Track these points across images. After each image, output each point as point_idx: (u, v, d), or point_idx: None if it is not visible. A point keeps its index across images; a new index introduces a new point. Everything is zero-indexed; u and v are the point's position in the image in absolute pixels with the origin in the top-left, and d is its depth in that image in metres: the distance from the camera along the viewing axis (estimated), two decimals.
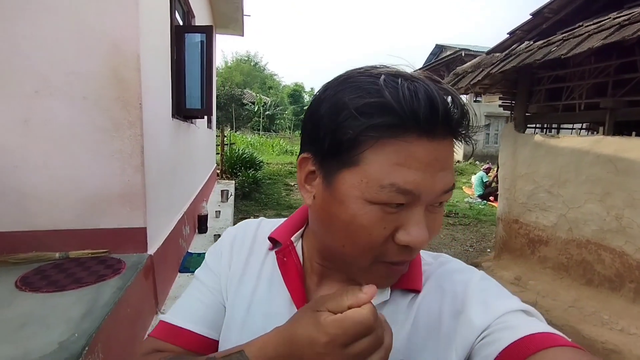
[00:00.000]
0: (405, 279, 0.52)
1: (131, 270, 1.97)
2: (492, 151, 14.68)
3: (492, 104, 14.45)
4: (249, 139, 17.84)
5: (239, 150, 10.02)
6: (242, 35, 8.30)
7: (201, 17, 4.95)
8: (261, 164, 10.08)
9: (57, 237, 2.11)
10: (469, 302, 0.48)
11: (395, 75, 0.42)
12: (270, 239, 0.61)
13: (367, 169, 0.42)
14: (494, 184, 8.32)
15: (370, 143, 0.41)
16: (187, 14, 4.16)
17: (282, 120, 29.56)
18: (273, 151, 16.26)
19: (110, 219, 2.18)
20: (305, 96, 36.18)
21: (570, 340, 0.41)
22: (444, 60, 16.92)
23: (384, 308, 0.52)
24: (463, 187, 10.85)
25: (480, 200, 8.94)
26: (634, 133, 4.67)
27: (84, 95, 2.07)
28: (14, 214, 2.06)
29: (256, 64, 44.21)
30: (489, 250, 5.61)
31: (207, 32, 3.45)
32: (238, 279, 0.61)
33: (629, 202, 3.21)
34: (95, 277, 1.86)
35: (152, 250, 2.29)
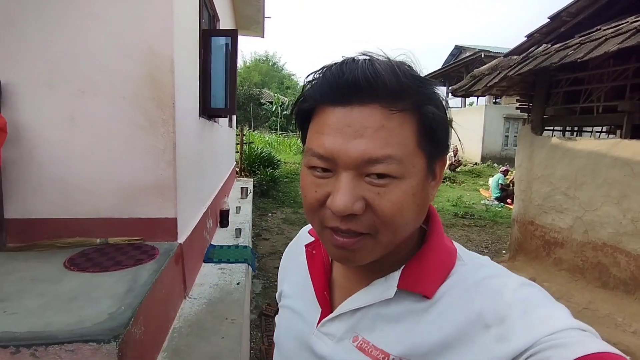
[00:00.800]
0: (410, 279, 0.50)
1: (164, 257, 2.15)
2: (511, 153, 14.48)
3: (511, 105, 14.28)
4: (267, 138, 18.09)
5: (257, 149, 10.24)
6: (263, 37, 8.50)
7: (225, 20, 5.15)
8: (279, 162, 10.27)
9: (98, 224, 2.31)
10: (504, 314, 0.43)
11: (354, 58, 0.46)
12: (310, 233, 0.67)
13: (307, 139, 0.49)
14: (510, 187, 8.28)
15: (310, 118, 0.48)
16: (213, 17, 4.36)
17: None
18: (290, 150, 16.47)
19: (144, 209, 2.36)
20: None
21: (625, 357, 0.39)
22: (464, 62, 16.81)
23: (387, 307, 0.50)
24: (480, 189, 10.79)
25: (497, 202, 8.90)
26: None
27: (123, 95, 2.25)
28: (60, 203, 2.27)
29: (274, 64, 44.62)
30: (504, 252, 5.63)
31: (232, 35, 3.63)
32: (287, 279, 0.67)
33: None
34: (133, 260, 2.04)
35: (181, 239, 2.46)
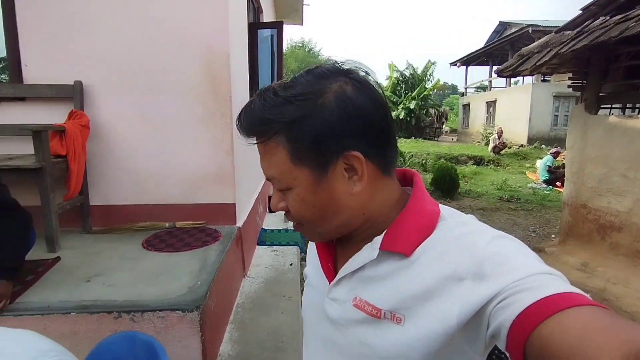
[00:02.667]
0: (388, 241, 0.55)
1: (226, 239, 2.34)
2: (561, 134, 13.68)
3: (561, 83, 13.42)
4: None
5: None
6: (302, 24, 8.54)
7: (267, 11, 5.27)
8: None
9: (166, 209, 2.55)
10: (476, 267, 0.48)
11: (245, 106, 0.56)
12: None
13: None
14: (560, 169, 7.90)
15: None
16: (257, 9, 4.49)
17: None
18: None
19: (206, 196, 2.57)
20: None
21: (591, 299, 0.41)
22: (509, 38, 15.93)
23: (376, 268, 0.57)
24: (526, 172, 10.36)
25: (545, 185, 8.54)
26: None
27: (185, 91, 2.44)
28: (133, 191, 2.53)
29: (310, 49, 44.48)
30: (553, 236, 5.46)
31: (278, 27, 3.75)
32: (310, 262, 0.75)
33: None
34: (200, 242, 2.25)
35: (239, 223, 2.66)
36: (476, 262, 0.48)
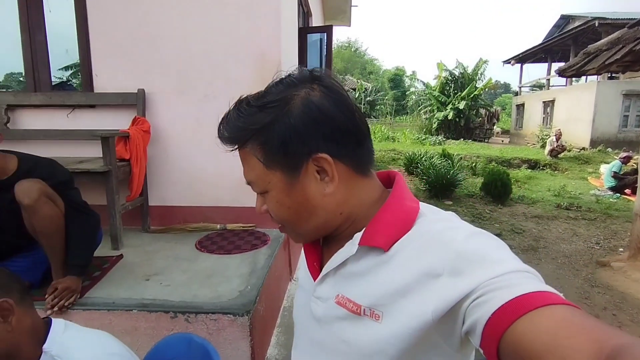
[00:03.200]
0: (367, 237, 0.57)
1: (275, 242, 2.39)
2: (631, 136, 12.53)
3: (633, 80, 12.29)
4: None
5: None
6: (349, 26, 8.54)
7: (316, 13, 5.31)
8: None
9: (217, 212, 2.65)
10: (452, 263, 0.49)
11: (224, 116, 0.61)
12: None
13: None
14: (630, 176, 7.24)
15: None
16: (307, 14, 4.54)
17: (382, 106, 29.34)
18: (375, 137, 16.35)
19: (255, 199, 2.63)
20: (407, 80, 35.16)
21: (565, 299, 0.41)
22: (571, 33, 14.86)
23: (356, 264, 0.59)
24: (588, 178, 9.60)
25: (611, 192, 7.88)
26: None
27: (238, 96, 2.52)
28: (187, 193, 2.65)
29: (356, 49, 44.33)
30: (621, 249, 5.01)
31: (327, 31, 3.76)
32: (302, 266, 0.77)
33: None
34: (250, 245, 2.31)
35: None
36: (452, 259, 0.49)
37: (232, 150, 0.60)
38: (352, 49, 43.81)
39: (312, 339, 0.66)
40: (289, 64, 2.92)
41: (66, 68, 3.75)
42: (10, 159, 1.61)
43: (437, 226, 0.55)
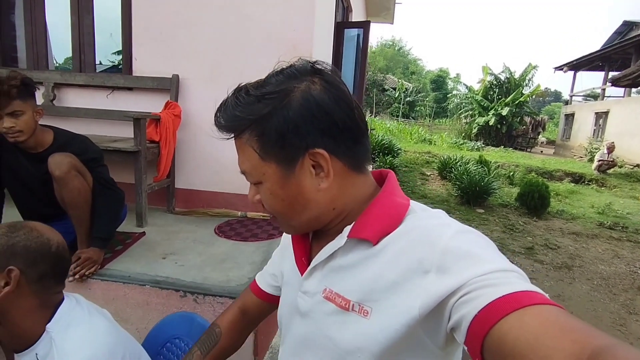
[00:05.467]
0: (355, 229, 0.57)
1: None
2: None
3: None
4: (388, 125, 17.94)
5: (378, 136, 10.29)
6: (392, 23, 8.40)
7: (357, 9, 5.26)
8: (399, 151, 10.16)
9: (239, 199, 2.70)
10: (440, 260, 0.49)
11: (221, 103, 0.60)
12: None
13: None
14: None
15: None
16: (346, 9, 4.50)
17: (422, 107, 28.70)
18: (411, 139, 16.04)
19: None
20: (450, 82, 34.18)
21: (550, 299, 0.41)
22: (633, 41, 13.81)
23: (345, 257, 0.59)
24: (639, 197, 8.94)
25: None
26: None
27: None
28: (212, 178, 2.72)
29: (400, 48, 43.58)
30: None
31: (365, 27, 3.72)
32: (287, 259, 0.75)
33: None
34: (267, 234, 2.34)
35: None
36: (440, 255, 0.49)
37: (228, 139, 0.60)
38: (396, 48, 43.11)
39: (298, 335, 0.66)
40: (323, 57, 2.91)
41: (118, 52, 3.95)
42: (47, 133, 1.72)
43: (427, 222, 0.55)
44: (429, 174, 9.45)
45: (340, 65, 3.79)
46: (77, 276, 1.64)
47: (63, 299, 0.93)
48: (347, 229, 0.59)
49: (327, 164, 0.56)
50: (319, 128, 0.55)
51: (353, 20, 4.88)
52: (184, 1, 2.54)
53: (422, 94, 29.74)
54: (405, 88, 26.04)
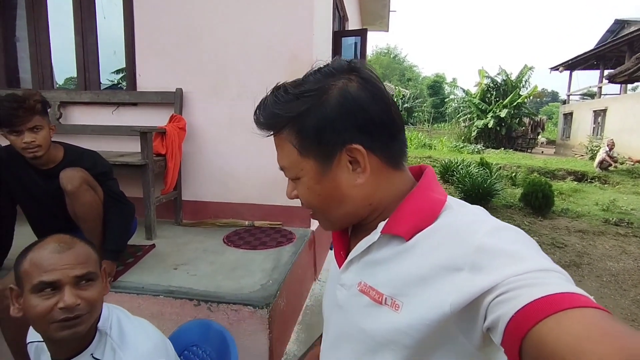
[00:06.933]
0: (389, 225, 0.58)
1: (300, 241, 2.42)
2: None
3: None
4: None
5: None
6: (387, 31, 8.50)
7: (352, 18, 5.34)
8: None
9: (246, 208, 2.72)
10: (474, 257, 0.47)
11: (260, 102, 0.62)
12: None
13: None
14: None
15: None
16: (343, 18, 4.57)
17: (420, 113, 28.83)
18: (411, 144, 16.09)
19: (283, 198, 2.66)
20: (447, 87, 34.41)
21: (595, 302, 0.39)
22: (626, 39, 13.95)
23: (378, 251, 0.60)
24: None
25: None
26: None
27: None
28: (219, 189, 2.74)
29: (395, 56, 43.97)
30: None
31: (362, 35, 3.78)
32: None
33: None
34: (275, 242, 2.35)
35: (313, 226, 2.72)
36: (474, 252, 0.48)
37: (268, 136, 0.62)
38: (391, 55, 43.50)
39: (337, 326, 0.67)
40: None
41: (117, 71, 4.00)
42: (58, 149, 1.75)
43: (462, 219, 0.55)
44: None
45: None
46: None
47: None
48: (382, 224, 0.59)
49: (363, 159, 0.56)
50: (356, 124, 0.56)
51: (349, 29, 4.95)
52: (186, 17, 2.60)
53: (420, 100, 29.92)
54: (403, 95, 26.19)
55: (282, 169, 0.63)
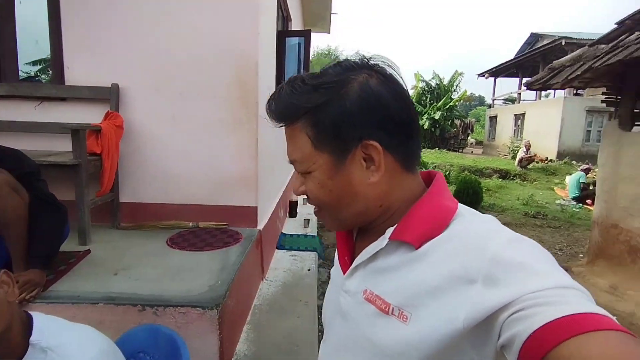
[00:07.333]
0: (398, 231, 0.56)
1: (247, 241, 2.39)
2: (593, 150, 13.15)
3: (595, 97, 12.95)
4: None
5: None
6: (329, 33, 8.65)
7: (295, 19, 5.37)
8: None
9: (190, 209, 2.63)
10: (489, 269, 0.45)
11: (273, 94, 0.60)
12: None
13: None
14: (591, 187, 7.63)
15: None
16: (286, 18, 4.59)
17: None
18: None
19: (230, 198, 2.64)
20: None
21: (619, 324, 0.38)
22: (540, 51, 15.58)
23: (386, 259, 0.58)
24: (555, 188, 10.04)
25: (574, 202, 8.26)
26: None
27: (215, 96, 2.53)
28: (161, 190, 2.62)
29: (336, 57, 44.79)
30: (581, 255, 5.28)
31: (306, 35, 3.82)
32: (335, 259, 0.76)
33: None
34: (222, 243, 2.31)
35: (260, 226, 2.71)
36: (489, 264, 0.46)
37: (280, 127, 0.59)
38: (332, 57, 44.25)
39: (338, 334, 0.65)
40: (267, 66, 2.95)
41: (34, 63, 3.60)
42: None
43: (475, 227, 0.52)
44: None
45: (283, 74, 3.84)
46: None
47: (29, 314, 0.90)
48: (390, 230, 0.57)
49: (379, 157, 0.55)
50: (375, 120, 0.54)
51: (292, 29, 4.98)
52: (123, 10, 2.45)
53: None
54: None
55: (292, 162, 0.60)
